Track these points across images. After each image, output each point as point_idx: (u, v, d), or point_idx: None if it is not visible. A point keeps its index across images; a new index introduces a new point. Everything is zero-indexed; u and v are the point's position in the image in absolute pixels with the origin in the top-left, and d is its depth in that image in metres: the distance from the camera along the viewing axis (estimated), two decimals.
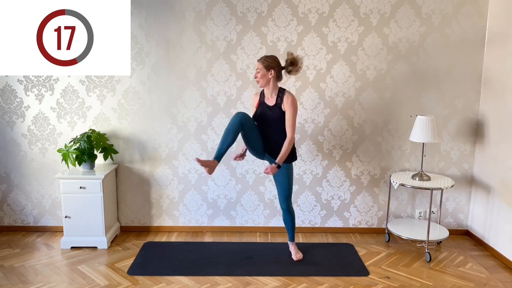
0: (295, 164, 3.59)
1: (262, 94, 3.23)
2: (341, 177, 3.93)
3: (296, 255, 3.41)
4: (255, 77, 3.14)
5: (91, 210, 3.55)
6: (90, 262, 3.38)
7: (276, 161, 3.05)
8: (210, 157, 3.84)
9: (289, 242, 3.47)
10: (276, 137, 3.13)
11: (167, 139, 3.86)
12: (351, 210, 3.99)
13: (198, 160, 2.94)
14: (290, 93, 3.13)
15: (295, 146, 3.26)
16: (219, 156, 3.01)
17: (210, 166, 2.99)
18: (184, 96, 3.79)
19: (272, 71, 3.09)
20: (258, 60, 3.14)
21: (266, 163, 3.86)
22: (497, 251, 3.51)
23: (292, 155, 3.20)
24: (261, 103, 3.19)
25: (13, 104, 3.79)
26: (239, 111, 3.34)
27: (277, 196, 3.94)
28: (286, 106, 3.08)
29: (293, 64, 3.12)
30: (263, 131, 3.16)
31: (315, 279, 3.13)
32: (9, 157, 3.88)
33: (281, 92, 3.13)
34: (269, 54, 3.27)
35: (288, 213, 3.34)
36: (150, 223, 4.01)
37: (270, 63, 3.09)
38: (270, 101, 3.16)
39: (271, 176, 3.91)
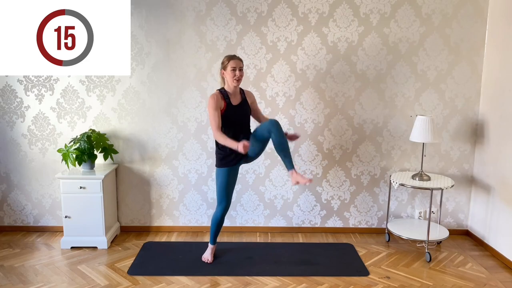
0: (295, 163, 3.59)
1: (224, 96, 3.07)
2: (341, 177, 3.93)
3: (206, 256, 3.38)
4: (240, 76, 3.06)
5: (91, 210, 3.55)
6: (90, 262, 3.38)
7: (293, 169, 2.96)
8: (210, 157, 3.86)
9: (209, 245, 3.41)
10: (246, 133, 3.15)
11: (167, 139, 3.86)
12: (351, 210, 3.99)
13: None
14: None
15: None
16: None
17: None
18: (184, 96, 3.79)
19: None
20: (239, 59, 3.08)
21: (267, 163, 3.86)
22: (497, 251, 3.51)
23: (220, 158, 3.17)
24: (229, 105, 3.07)
25: (13, 104, 3.79)
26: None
27: (277, 196, 3.95)
28: (252, 97, 3.26)
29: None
30: (242, 132, 3.12)
31: (315, 279, 3.13)
32: (9, 157, 3.88)
33: (238, 89, 3.18)
34: (231, 54, 3.17)
35: (214, 214, 3.30)
36: (150, 223, 4.01)
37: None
38: (236, 99, 3.13)
39: (271, 176, 3.91)
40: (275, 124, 2.94)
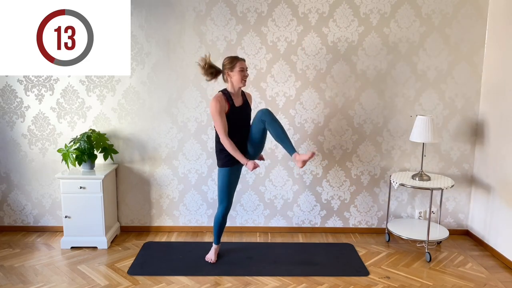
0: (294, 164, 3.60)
1: (228, 98, 3.06)
2: (341, 177, 3.93)
3: (209, 256, 3.37)
4: (246, 76, 3.08)
5: (91, 210, 3.55)
6: (90, 262, 3.38)
7: (295, 152, 2.98)
8: (210, 157, 3.85)
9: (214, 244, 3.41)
10: (248, 135, 3.14)
11: (167, 139, 3.86)
12: (351, 210, 3.99)
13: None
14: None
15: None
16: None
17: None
18: (184, 96, 3.79)
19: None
20: (243, 60, 3.09)
21: (267, 163, 3.86)
22: (497, 251, 3.51)
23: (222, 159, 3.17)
24: (232, 107, 3.07)
25: (13, 104, 3.79)
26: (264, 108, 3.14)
27: (277, 196, 3.95)
28: (251, 100, 3.27)
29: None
30: (244, 133, 3.12)
31: (315, 279, 3.13)
32: (9, 157, 3.88)
33: (240, 90, 3.17)
34: (233, 55, 3.19)
35: (216, 215, 3.29)
36: (150, 223, 4.01)
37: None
38: (239, 101, 3.14)
39: (271, 176, 3.91)
40: (266, 112, 2.98)
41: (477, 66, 3.75)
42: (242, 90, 3.20)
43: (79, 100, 3.80)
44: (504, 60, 3.46)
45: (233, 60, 3.05)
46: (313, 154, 2.90)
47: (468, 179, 3.93)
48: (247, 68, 3.10)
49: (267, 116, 2.96)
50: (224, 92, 3.10)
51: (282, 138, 2.97)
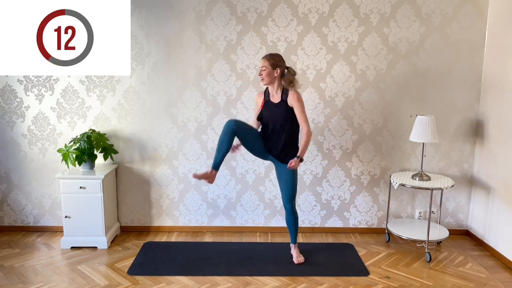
0: None
1: (266, 93, 3.22)
2: (341, 177, 3.93)
3: (297, 258, 3.36)
4: (260, 75, 3.12)
5: (91, 210, 3.55)
6: (90, 262, 3.38)
7: (298, 154, 3.03)
8: (210, 157, 3.85)
9: (291, 244, 3.43)
10: (284, 135, 3.12)
11: (167, 139, 3.86)
12: (351, 210, 3.99)
13: (195, 176, 3.02)
14: (295, 89, 3.13)
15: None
16: (216, 166, 3.03)
17: (209, 177, 3.03)
18: (184, 96, 3.79)
19: (278, 70, 3.09)
20: (263, 58, 3.11)
21: (267, 163, 3.86)
22: (497, 251, 3.51)
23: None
24: (267, 102, 3.19)
25: (13, 104, 3.79)
26: (230, 119, 3.20)
27: (277, 196, 3.95)
28: (293, 101, 3.08)
29: (292, 86, 3.14)
30: (270, 130, 3.15)
31: (315, 279, 3.13)
32: (9, 157, 3.88)
33: (285, 89, 3.14)
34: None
35: (292, 214, 3.28)
36: (150, 223, 4.01)
37: (277, 62, 3.09)
38: (275, 98, 3.15)
39: (271, 176, 3.91)
40: (225, 128, 3.02)
41: (477, 66, 3.75)
42: (287, 90, 3.13)
43: (79, 100, 3.80)
44: (504, 60, 3.46)
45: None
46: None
47: (468, 179, 3.93)
48: (262, 67, 3.10)
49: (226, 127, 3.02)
50: (267, 88, 3.22)
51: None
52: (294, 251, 3.40)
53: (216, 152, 3.03)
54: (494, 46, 3.62)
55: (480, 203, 3.79)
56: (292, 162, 2.98)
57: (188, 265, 3.32)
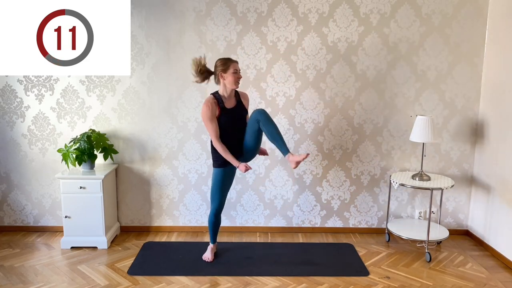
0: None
1: (218, 101, 3.06)
2: (341, 177, 3.93)
3: (206, 256, 3.38)
4: (239, 78, 3.07)
5: (91, 210, 3.55)
6: (90, 262, 3.38)
7: (289, 152, 2.98)
8: (210, 156, 3.84)
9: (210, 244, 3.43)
10: (243, 135, 3.12)
11: (167, 139, 3.86)
12: (351, 210, 3.99)
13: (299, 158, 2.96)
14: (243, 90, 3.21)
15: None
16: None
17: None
18: (184, 96, 3.79)
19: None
20: (236, 62, 3.07)
21: (267, 163, 3.86)
22: (497, 251, 3.51)
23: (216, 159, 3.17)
24: (223, 109, 3.06)
25: (13, 104, 3.79)
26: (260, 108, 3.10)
27: (277, 196, 3.95)
28: (246, 102, 3.22)
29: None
30: (238, 135, 3.11)
31: (315, 279, 3.13)
32: (9, 157, 3.88)
33: (233, 91, 3.14)
34: (225, 57, 3.17)
35: (210, 216, 3.30)
36: (150, 223, 4.01)
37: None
38: (230, 103, 3.11)
39: (271, 176, 3.91)
40: (261, 112, 2.97)
41: (477, 66, 3.75)
42: (236, 91, 3.18)
43: (79, 100, 3.80)
44: (504, 60, 3.46)
45: (227, 62, 3.04)
46: (306, 155, 2.93)
47: (468, 179, 3.93)
48: (240, 70, 3.10)
49: (262, 116, 2.96)
50: (215, 95, 3.09)
51: (276, 138, 2.97)
52: (208, 248, 3.42)
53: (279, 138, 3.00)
54: (494, 46, 3.62)
55: (480, 203, 3.79)
56: (295, 163, 2.96)
57: (188, 265, 3.32)
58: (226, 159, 3.07)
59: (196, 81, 3.12)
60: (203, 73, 3.09)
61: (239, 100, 3.17)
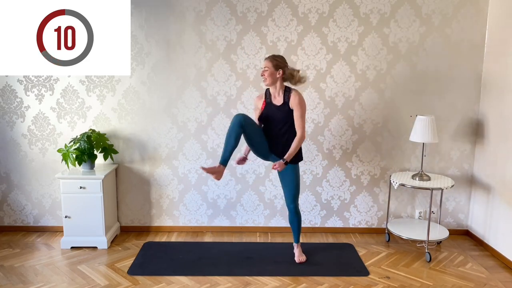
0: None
1: (267, 95, 3.20)
2: (341, 177, 3.93)
3: (299, 257, 3.37)
4: (262, 75, 3.11)
5: (91, 210, 3.55)
6: (90, 262, 3.38)
7: (285, 157, 3.05)
8: (210, 157, 3.85)
9: (294, 244, 3.42)
10: (286, 137, 3.12)
11: (167, 139, 3.86)
12: (351, 210, 3.99)
13: (204, 169, 2.98)
14: (297, 92, 3.12)
15: (301, 146, 3.20)
16: (224, 161, 3.00)
17: (216, 172, 2.99)
18: (184, 96, 3.79)
19: (281, 71, 3.09)
20: (266, 59, 3.11)
21: (267, 163, 3.86)
22: (497, 251, 3.51)
23: (298, 155, 3.19)
24: (268, 104, 3.17)
25: (13, 104, 3.79)
26: (238, 113, 3.18)
27: (277, 196, 3.95)
28: (294, 104, 3.08)
29: (297, 81, 3.17)
30: (272, 132, 3.15)
31: (315, 279, 3.13)
32: (9, 157, 3.88)
33: (288, 91, 3.13)
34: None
35: (295, 214, 3.29)
36: (150, 223, 4.01)
37: (279, 63, 3.09)
38: (277, 100, 3.15)
39: (271, 176, 3.91)
40: (233, 121, 3.00)
41: (477, 66, 3.75)
42: (290, 91, 3.13)
43: (79, 100, 3.80)
44: (504, 60, 3.46)
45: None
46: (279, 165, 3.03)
47: (468, 179, 3.93)
48: (265, 68, 3.09)
49: (240, 120, 3.00)
50: (267, 89, 3.21)
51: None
52: (296, 250, 3.40)
53: (224, 146, 3.01)
54: (494, 46, 3.62)
55: (480, 203, 3.79)
56: (276, 164, 3.03)
57: (188, 265, 3.32)
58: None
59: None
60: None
61: (286, 101, 3.11)
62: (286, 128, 3.11)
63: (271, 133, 3.16)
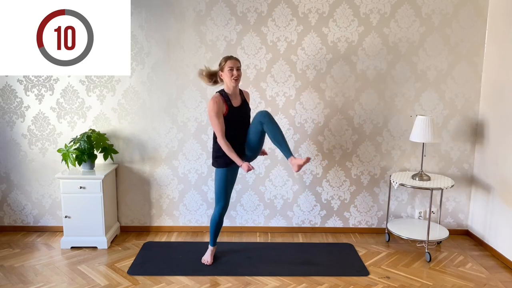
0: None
1: (225, 99, 3.05)
2: (341, 177, 3.93)
3: (207, 259, 3.33)
4: (238, 76, 3.03)
5: (91, 210, 3.55)
6: (90, 262, 3.38)
7: (292, 156, 2.97)
8: (210, 156, 3.84)
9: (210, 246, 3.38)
10: (246, 135, 3.12)
11: (167, 139, 3.86)
12: (351, 210, 3.99)
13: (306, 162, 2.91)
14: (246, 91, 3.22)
15: (231, 152, 3.07)
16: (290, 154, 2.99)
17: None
18: (184, 96, 3.79)
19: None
20: (236, 59, 3.06)
21: (267, 163, 3.86)
22: (497, 251, 3.51)
23: (217, 159, 3.15)
24: (231, 107, 3.05)
25: (13, 104, 3.79)
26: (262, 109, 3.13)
27: (277, 196, 3.95)
28: (248, 99, 3.23)
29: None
30: (243, 133, 3.10)
31: (315, 279, 3.13)
32: (9, 157, 3.88)
33: (238, 90, 3.15)
34: (236, 54, 3.23)
35: (213, 216, 3.27)
36: (150, 223, 4.01)
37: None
38: (236, 101, 3.11)
39: (271, 176, 3.91)
40: (265, 114, 2.96)
41: (477, 66, 3.75)
42: (240, 89, 3.18)
43: (79, 100, 3.80)
44: (504, 60, 3.46)
45: (224, 60, 3.05)
46: (307, 160, 2.91)
47: (468, 179, 3.93)
48: (238, 67, 3.04)
49: (266, 118, 2.94)
50: (221, 93, 3.08)
51: (280, 141, 2.96)
52: (208, 251, 3.38)
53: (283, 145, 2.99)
54: (494, 46, 3.62)
55: (480, 203, 3.79)
56: (298, 167, 2.94)
57: (188, 265, 3.32)
58: (230, 158, 3.04)
59: (210, 85, 3.19)
60: (210, 76, 3.12)
61: (244, 99, 3.18)
62: (248, 128, 3.13)
63: (243, 133, 3.10)
